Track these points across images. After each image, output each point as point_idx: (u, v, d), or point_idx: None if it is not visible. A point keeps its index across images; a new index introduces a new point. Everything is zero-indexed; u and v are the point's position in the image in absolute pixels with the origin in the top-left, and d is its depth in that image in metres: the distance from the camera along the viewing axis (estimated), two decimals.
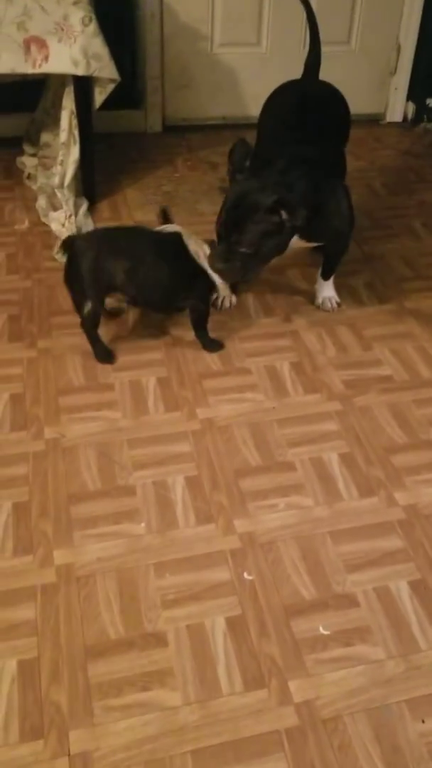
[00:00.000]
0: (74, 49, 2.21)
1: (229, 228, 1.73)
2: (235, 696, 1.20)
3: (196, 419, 1.73)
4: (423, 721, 1.18)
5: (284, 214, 1.71)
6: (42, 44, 2.23)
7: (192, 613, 1.31)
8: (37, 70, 2.28)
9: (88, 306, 1.79)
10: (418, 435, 1.72)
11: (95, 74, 2.27)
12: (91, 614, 1.30)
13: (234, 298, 2.12)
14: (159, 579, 1.37)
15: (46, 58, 2.25)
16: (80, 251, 1.75)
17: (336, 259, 2.09)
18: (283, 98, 2.16)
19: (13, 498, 1.51)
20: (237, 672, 1.23)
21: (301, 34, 3.07)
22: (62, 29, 2.20)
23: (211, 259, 1.80)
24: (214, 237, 1.84)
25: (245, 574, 1.39)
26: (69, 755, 1.11)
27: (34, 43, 2.23)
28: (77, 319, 1.87)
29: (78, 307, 1.82)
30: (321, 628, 1.31)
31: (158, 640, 1.27)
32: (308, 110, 2.06)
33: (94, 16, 2.20)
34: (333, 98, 2.16)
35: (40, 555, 1.40)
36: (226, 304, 2.11)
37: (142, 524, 1.47)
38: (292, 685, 1.22)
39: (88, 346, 1.92)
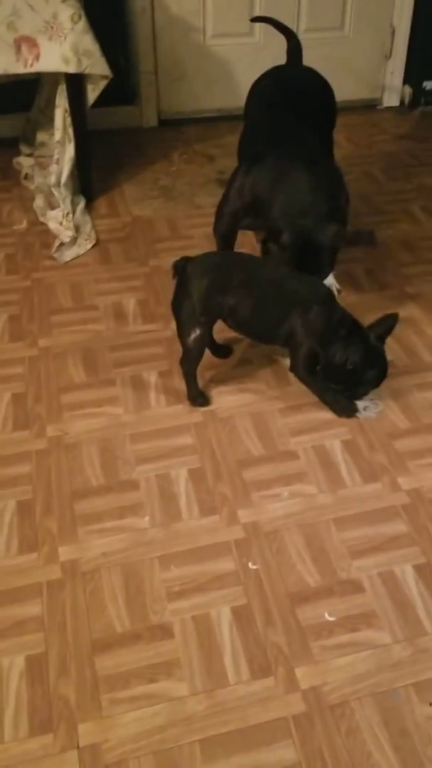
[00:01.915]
0: (65, 47, 2.22)
1: (308, 270, 1.77)
2: (242, 685, 1.21)
3: (198, 411, 1.73)
4: (430, 704, 1.18)
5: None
6: (33, 43, 2.24)
7: (197, 604, 1.32)
8: (29, 70, 2.28)
9: (196, 333, 1.69)
10: (420, 419, 1.72)
11: (87, 71, 2.28)
12: (97, 608, 1.31)
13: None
14: (164, 571, 1.38)
15: (38, 57, 2.25)
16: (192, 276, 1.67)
17: (337, 219, 2.07)
18: (266, 84, 2.16)
19: (17, 496, 1.52)
20: (243, 661, 1.24)
21: (293, 22, 3.06)
22: (52, 27, 2.21)
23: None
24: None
25: (250, 564, 1.39)
26: (78, 748, 1.12)
27: (24, 43, 2.23)
28: (77, 317, 1.88)
29: (184, 335, 1.71)
30: (327, 615, 1.31)
31: (164, 631, 1.28)
32: (293, 95, 2.06)
33: (83, 13, 2.20)
34: (316, 83, 2.15)
35: (45, 552, 1.41)
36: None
37: (146, 518, 1.48)
38: (299, 672, 1.22)
39: (88, 343, 1.93)
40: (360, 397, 1.74)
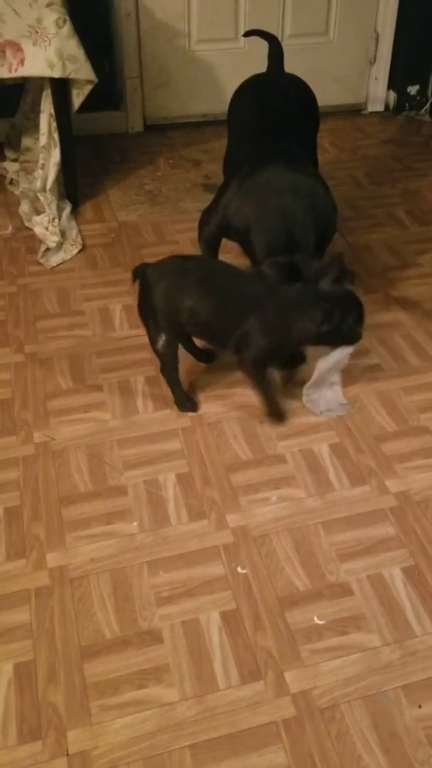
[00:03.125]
0: (49, 52, 2.21)
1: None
2: (232, 689, 1.20)
3: (186, 416, 1.73)
4: (420, 706, 1.19)
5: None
6: (17, 48, 2.23)
7: (187, 609, 1.32)
8: (14, 75, 2.28)
9: (162, 339, 1.67)
10: (407, 422, 1.73)
11: (72, 76, 2.27)
12: (85, 615, 1.31)
13: None
14: (153, 577, 1.37)
15: (22, 62, 2.25)
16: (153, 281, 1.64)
17: (322, 250, 2.08)
18: (246, 96, 2.16)
19: (5, 503, 1.51)
20: (233, 665, 1.24)
21: (278, 27, 3.08)
22: (36, 32, 2.20)
23: None
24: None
25: (239, 568, 1.39)
26: (67, 755, 1.12)
27: (9, 48, 2.23)
28: (63, 323, 1.88)
29: (152, 342, 1.69)
30: (316, 618, 1.31)
31: (153, 637, 1.27)
32: (274, 105, 2.06)
33: (68, 18, 2.19)
34: (297, 89, 2.16)
35: (33, 558, 1.40)
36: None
37: (135, 523, 1.47)
38: (289, 676, 1.22)
39: (75, 349, 1.93)
40: (359, 338, 1.67)
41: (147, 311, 1.66)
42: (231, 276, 1.67)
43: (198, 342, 1.83)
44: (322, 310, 1.58)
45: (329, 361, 1.68)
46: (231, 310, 1.63)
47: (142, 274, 1.65)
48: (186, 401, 1.74)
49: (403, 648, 1.27)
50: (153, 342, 1.68)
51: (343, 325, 1.61)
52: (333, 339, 1.65)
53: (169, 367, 1.72)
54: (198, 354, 1.85)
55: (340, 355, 1.67)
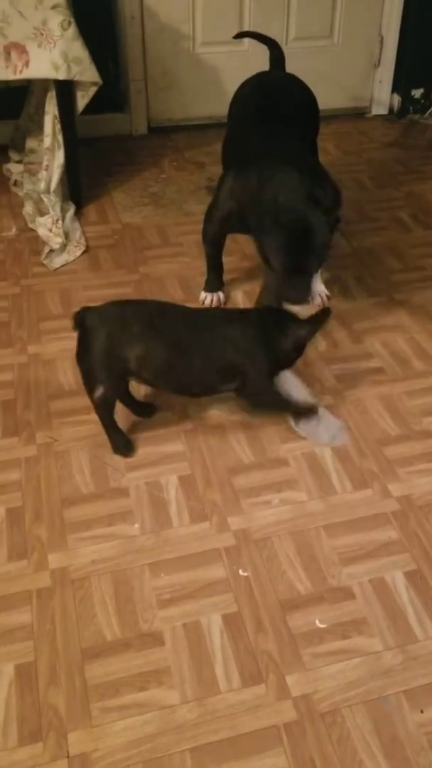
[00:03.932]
0: (54, 54, 2.22)
1: (301, 254, 1.71)
2: (233, 693, 1.20)
3: (189, 419, 1.73)
4: (422, 711, 1.18)
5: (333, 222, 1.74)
6: (22, 50, 2.24)
7: (188, 612, 1.32)
8: (18, 77, 2.28)
9: (99, 391, 1.56)
10: (410, 426, 1.72)
11: (76, 78, 2.28)
12: (86, 616, 1.30)
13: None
14: (154, 579, 1.37)
15: (27, 63, 2.25)
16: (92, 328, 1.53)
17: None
18: (249, 90, 2.17)
19: (7, 504, 1.51)
20: (234, 669, 1.23)
21: (282, 30, 3.08)
22: (41, 34, 2.21)
23: (293, 291, 1.70)
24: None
25: (240, 571, 1.39)
26: (68, 757, 1.11)
27: (14, 50, 2.23)
28: (66, 324, 1.85)
29: (88, 390, 1.58)
30: (317, 622, 1.31)
31: (155, 639, 1.27)
32: (275, 101, 2.07)
33: (73, 20, 2.20)
34: (298, 88, 2.16)
35: (34, 559, 1.40)
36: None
37: (136, 525, 1.47)
38: (290, 680, 1.22)
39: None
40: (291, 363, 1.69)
41: (83, 359, 1.55)
42: (181, 314, 1.60)
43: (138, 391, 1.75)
44: (293, 332, 1.60)
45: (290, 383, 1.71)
46: (197, 348, 1.56)
47: (81, 320, 1.53)
48: (122, 446, 1.63)
49: (405, 652, 1.26)
50: (88, 392, 1.57)
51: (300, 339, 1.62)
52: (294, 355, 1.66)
53: (103, 417, 1.60)
54: (134, 407, 1.71)
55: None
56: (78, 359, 1.56)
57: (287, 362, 1.66)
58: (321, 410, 1.72)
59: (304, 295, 1.74)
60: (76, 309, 1.56)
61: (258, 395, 1.66)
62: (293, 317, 1.64)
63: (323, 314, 1.60)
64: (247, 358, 1.58)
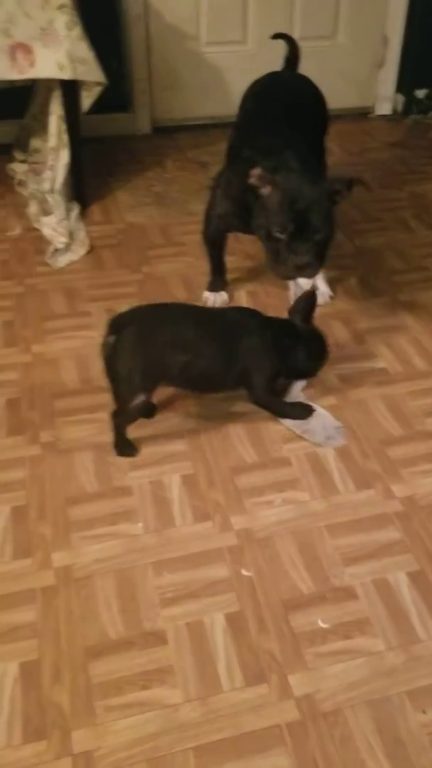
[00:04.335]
0: (59, 54, 2.22)
1: (299, 219, 1.68)
2: (236, 692, 1.21)
3: (191, 418, 1.73)
4: (424, 712, 1.19)
5: (338, 196, 1.73)
6: (27, 50, 2.24)
7: (191, 611, 1.32)
8: (24, 76, 2.29)
9: (139, 399, 1.56)
10: (413, 426, 1.73)
11: (81, 78, 2.29)
12: (90, 615, 1.31)
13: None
14: (157, 578, 1.38)
15: (32, 63, 2.26)
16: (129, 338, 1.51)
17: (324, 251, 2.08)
18: (259, 89, 2.17)
19: (11, 502, 1.51)
20: (237, 668, 1.24)
21: (286, 30, 3.05)
22: (47, 34, 2.21)
23: (292, 257, 1.69)
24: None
25: (243, 571, 1.39)
26: (72, 755, 1.12)
27: (19, 50, 2.24)
28: (70, 323, 1.88)
29: (123, 399, 1.57)
30: (320, 622, 1.31)
31: (158, 638, 1.28)
32: (285, 101, 2.07)
33: (78, 20, 2.21)
34: (309, 89, 2.17)
35: (38, 558, 1.41)
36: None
37: (140, 524, 1.48)
38: (292, 680, 1.22)
39: (82, 350, 1.93)
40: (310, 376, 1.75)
41: (122, 367, 1.52)
42: (210, 318, 1.65)
43: None
44: (311, 353, 1.67)
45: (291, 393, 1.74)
46: (224, 351, 1.59)
47: (118, 326, 1.51)
48: (126, 446, 1.63)
49: (408, 653, 1.27)
50: (126, 402, 1.56)
51: (299, 362, 1.67)
52: (300, 374, 1.73)
53: (127, 422, 1.61)
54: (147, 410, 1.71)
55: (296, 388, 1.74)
56: (113, 366, 1.53)
57: (302, 374, 1.72)
58: (320, 410, 1.72)
59: (306, 260, 1.70)
60: (111, 314, 1.57)
61: (261, 399, 1.68)
62: (313, 333, 1.68)
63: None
64: (255, 367, 1.62)
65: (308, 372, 1.73)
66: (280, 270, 1.74)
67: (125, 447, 1.63)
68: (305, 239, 1.69)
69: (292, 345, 1.64)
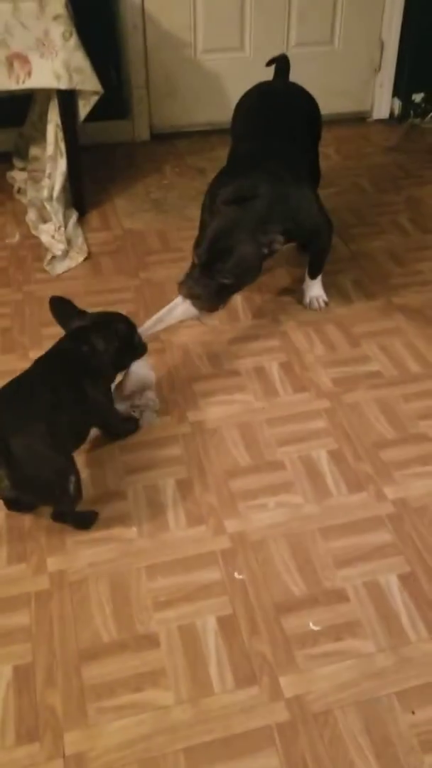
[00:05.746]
0: (56, 64, 2.25)
1: (213, 255, 1.73)
2: (227, 693, 1.22)
3: (186, 422, 1.75)
4: (413, 713, 1.20)
5: (266, 248, 1.76)
6: (24, 60, 2.27)
7: (183, 614, 1.33)
8: (21, 86, 2.31)
9: (72, 481, 1.42)
10: (407, 429, 1.74)
11: (78, 87, 2.31)
12: (84, 618, 1.33)
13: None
14: (150, 581, 1.39)
15: (29, 73, 2.28)
16: None
17: (321, 258, 2.11)
18: (249, 102, 2.20)
19: (5, 510, 1.53)
20: (228, 670, 1.25)
21: (283, 36, 3.10)
22: (43, 44, 2.24)
23: (185, 285, 1.73)
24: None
25: (236, 574, 1.41)
26: (64, 756, 1.14)
27: (16, 60, 2.26)
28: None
29: (56, 498, 1.44)
30: (311, 624, 1.32)
31: (150, 641, 1.29)
32: (276, 112, 2.09)
33: (74, 30, 2.23)
34: (300, 98, 2.18)
35: (33, 562, 1.42)
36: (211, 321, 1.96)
37: (134, 528, 1.49)
38: (283, 681, 1.23)
39: None
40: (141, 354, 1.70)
41: (38, 476, 1.37)
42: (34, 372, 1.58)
43: None
44: (107, 335, 1.60)
45: (132, 380, 1.71)
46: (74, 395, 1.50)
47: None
48: (86, 518, 1.49)
49: (398, 654, 1.28)
50: (59, 497, 1.42)
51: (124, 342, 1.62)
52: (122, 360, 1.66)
53: (74, 505, 1.46)
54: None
55: (139, 369, 1.70)
56: (24, 482, 1.37)
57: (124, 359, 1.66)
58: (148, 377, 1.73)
59: (197, 292, 1.74)
60: None
61: (115, 429, 1.69)
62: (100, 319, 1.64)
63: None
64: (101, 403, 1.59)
65: (128, 356, 1.66)
66: (179, 287, 1.78)
67: (86, 519, 1.50)
68: (212, 275, 1.74)
69: (86, 350, 1.57)
